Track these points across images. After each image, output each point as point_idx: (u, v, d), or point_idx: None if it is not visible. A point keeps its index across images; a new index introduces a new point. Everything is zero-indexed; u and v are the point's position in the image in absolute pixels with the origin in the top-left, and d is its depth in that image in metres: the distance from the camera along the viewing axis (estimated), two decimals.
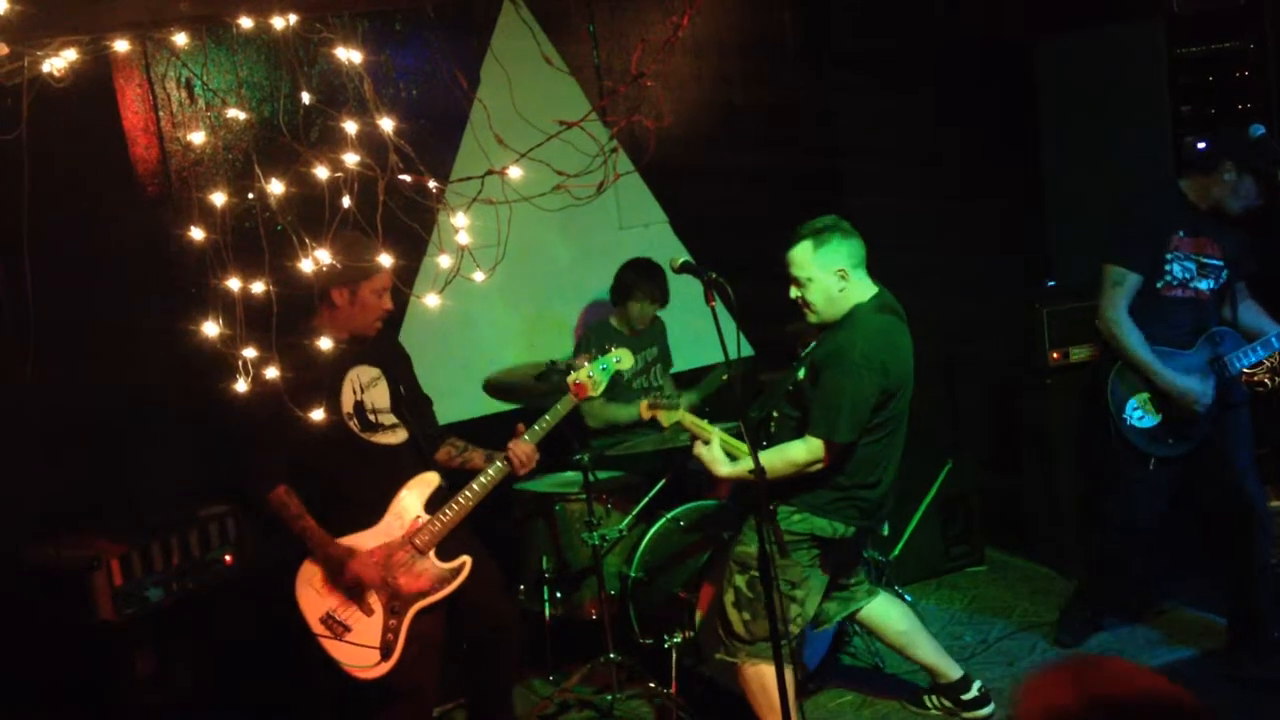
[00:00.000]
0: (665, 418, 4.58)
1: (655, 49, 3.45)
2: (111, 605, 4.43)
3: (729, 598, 4.38)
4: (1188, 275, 4.81)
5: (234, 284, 3.33)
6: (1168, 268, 4.81)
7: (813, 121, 6.94)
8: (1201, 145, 6.18)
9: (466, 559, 4.40)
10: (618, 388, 5.70)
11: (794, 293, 4.33)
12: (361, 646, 4.19)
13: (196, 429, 5.09)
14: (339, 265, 3.62)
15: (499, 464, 4.44)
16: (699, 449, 4.41)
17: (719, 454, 4.37)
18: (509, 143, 3.45)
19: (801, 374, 4.34)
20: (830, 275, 4.26)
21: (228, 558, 4.80)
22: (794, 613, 4.31)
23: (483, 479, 4.41)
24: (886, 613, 4.76)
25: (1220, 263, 4.83)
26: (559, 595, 5.36)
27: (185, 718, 4.63)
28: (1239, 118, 6.02)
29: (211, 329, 3.28)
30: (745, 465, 4.20)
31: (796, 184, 6.57)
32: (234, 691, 4.70)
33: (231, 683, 4.71)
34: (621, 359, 4.71)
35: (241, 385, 3.35)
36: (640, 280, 5.80)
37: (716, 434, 4.44)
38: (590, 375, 4.62)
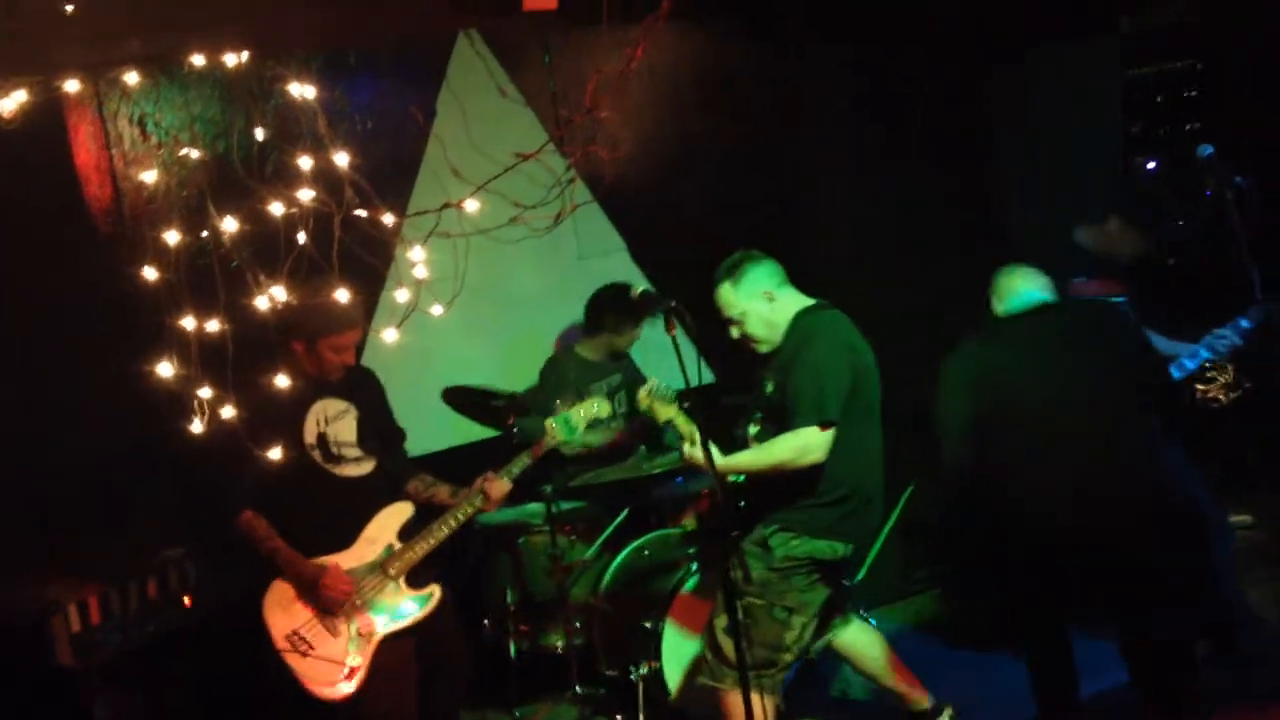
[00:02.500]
0: (661, 411, 4.54)
1: (610, 79, 3.45)
2: (70, 651, 4.36)
3: (720, 623, 4.34)
4: None
5: (189, 323, 3.29)
6: None
7: (770, 148, 6.96)
8: (1151, 165, 6.29)
9: (436, 588, 4.46)
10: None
11: (734, 333, 4.40)
12: (326, 663, 4.22)
13: (153, 470, 5.02)
14: (299, 316, 3.65)
15: (476, 501, 4.50)
16: (689, 450, 4.36)
17: (703, 450, 4.34)
18: (466, 175, 3.44)
19: (770, 388, 4.35)
20: (758, 301, 4.35)
21: (186, 600, 4.74)
22: (790, 639, 4.29)
23: (459, 514, 4.48)
24: (859, 640, 4.75)
25: (1126, 299, 4.97)
26: (523, 629, 5.31)
27: None
28: (1188, 137, 6.11)
29: (166, 369, 3.24)
30: (735, 460, 4.29)
31: (754, 211, 6.59)
32: None
33: None
34: (599, 406, 4.83)
35: (197, 426, 3.30)
36: (609, 313, 5.77)
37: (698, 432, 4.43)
38: (567, 420, 4.77)
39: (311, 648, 4.22)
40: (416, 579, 4.44)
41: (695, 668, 4.74)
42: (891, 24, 6.50)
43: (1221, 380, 5.40)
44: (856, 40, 6.66)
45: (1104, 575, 4.19)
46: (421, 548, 4.44)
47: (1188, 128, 6.32)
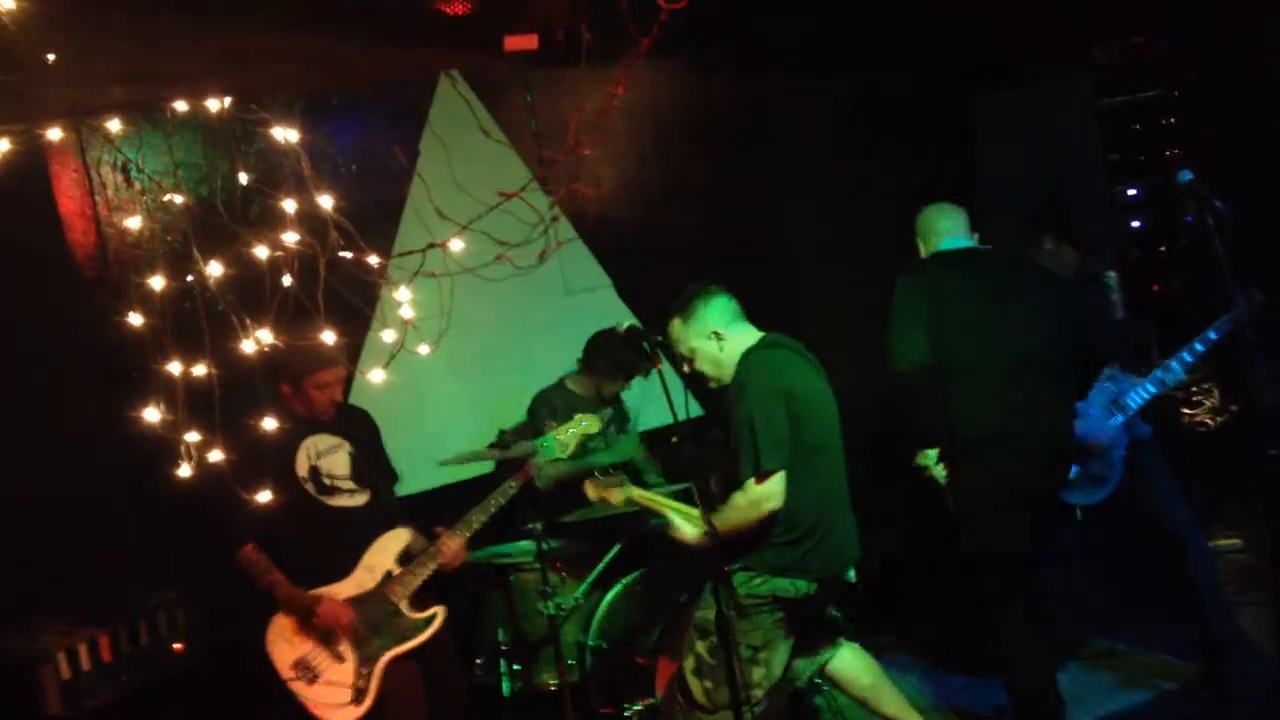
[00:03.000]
0: (616, 496, 4.57)
1: (592, 117, 3.47)
2: (60, 700, 4.32)
3: (689, 664, 4.33)
4: None
5: (175, 368, 3.29)
6: None
7: (753, 180, 6.99)
8: (1132, 192, 6.34)
9: (440, 609, 4.53)
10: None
11: (685, 369, 4.36)
12: (334, 687, 4.26)
13: (141, 515, 5.01)
14: (284, 358, 3.69)
15: (431, 562, 4.58)
16: (670, 532, 4.39)
17: (681, 523, 4.37)
18: (450, 214, 3.46)
19: (718, 432, 4.37)
20: (706, 340, 4.34)
21: (177, 646, 4.71)
22: (758, 677, 4.26)
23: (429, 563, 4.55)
24: (852, 665, 4.73)
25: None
26: (516, 667, 5.28)
27: None
28: (1167, 164, 6.17)
29: (153, 414, 3.24)
30: (706, 529, 4.20)
31: (739, 243, 6.61)
32: None
33: None
34: (588, 423, 4.83)
35: (185, 470, 3.30)
36: (626, 352, 5.76)
37: (669, 505, 4.44)
38: (557, 439, 4.83)
39: (318, 675, 4.26)
40: (419, 602, 4.50)
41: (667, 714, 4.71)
42: (873, 57, 6.54)
43: (1208, 404, 5.45)
44: (837, 73, 6.70)
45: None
46: (421, 571, 4.51)
47: (1167, 154, 6.37)
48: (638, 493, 4.56)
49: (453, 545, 4.58)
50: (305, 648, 4.30)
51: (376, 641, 4.37)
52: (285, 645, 4.28)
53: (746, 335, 4.38)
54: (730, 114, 6.89)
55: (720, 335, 4.34)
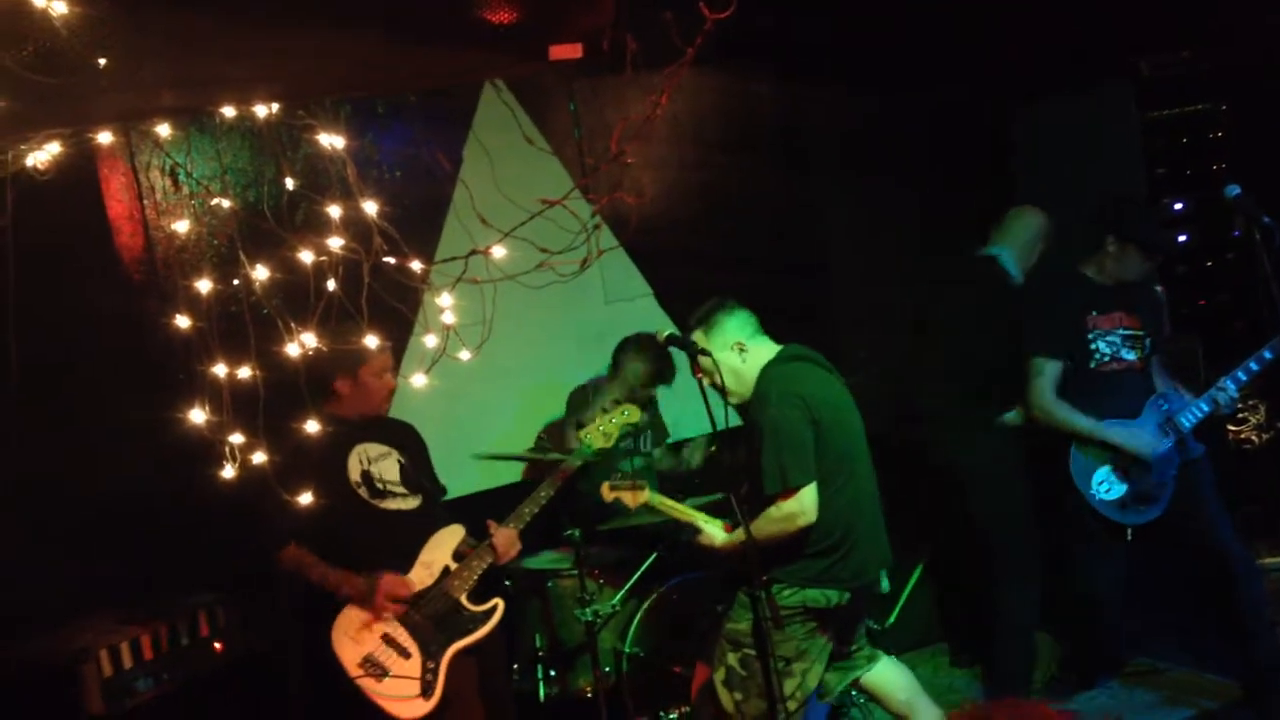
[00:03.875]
0: (630, 499, 4.54)
1: (636, 126, 3.48)
2: (101, 699, 4.37)
3: (719, 676, 4.32)
4: (1113, 349, 5.00)
5: (220, 370, 3.32)
6: (1093, 346, 5.00)
7: (792, 191, 6.99)
8: (1179, 206, 6.29)
9: (499, 601, 4.54)
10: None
11: (705, 381, 4.28)
12: (402, 681, 4.26)
13: (185, 516, 5.05)
14: (334, 356, 3.70)
15: (486, 556, 4.58)
16: (697, 540, 4.42)
17: (709, 529, 4.37)
18: (492, 222, 3.47)
19: (742, 452, 4.35)
20: (729, 353, 4.33)
21: (217, 645, 4.75)
22: (790, 689, 4.24)
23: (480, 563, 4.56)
24: (889, 679, 4.69)
25: (1141, 332, 5.02)
26: (553, 674, 5.30)
27: None
28: (1215, 179, 6.12)
29: (198, 416, 3.27)
30: (738, 535, 4.19)
31: (778, 254, 6.61)
32: None
33: None
34: (628, 412, 4.86)
35: (229, 471, 3.33)
36: (627, 355, 5.79)
37: (692, 512, 4.44)
38: (601, 429, 4.84)
39: (386, 670, 4.27)
40: (478, 595, 4.52)
41: None
42: (914, 69, 6.53)
43: (1254, 420, 5.39)
44: (879, 84, 6.68)
45: None
46: (479, 565, 4.53)
47: (1214, 168, 6.32)
48: (656, 498, 4.54)
49: (506, 537, 4.58)
50: (371, 645, 4.30)
51: (441, 636, 4.38)
52: (351, 643, 4.29)
53: (767, 348, 4.39)
54: (772, 124, 6.90)
55: (743, 347, 4.34)
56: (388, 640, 4.31)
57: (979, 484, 5.39)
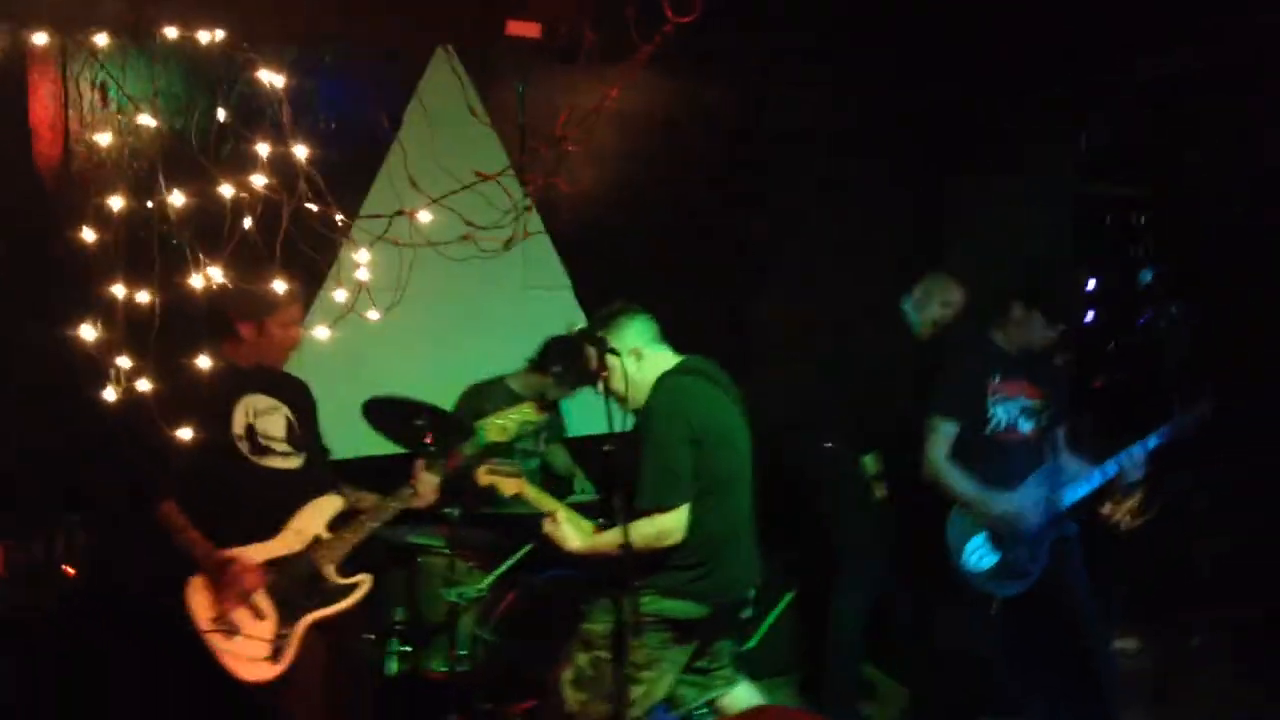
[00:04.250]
0: (505, 486, 4.48)
1: (581, 115, 3.47)
2: None
3: (568, 675, 4.30)
4: (1010, 418, 5.07)
5: (119, 290, 3.24)
6: (991, 412, 5.06)
7: (725, 204, 7.01)
8: (1093, 283, 6.41)
9: (366, 577, 4.44)
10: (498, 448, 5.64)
11: (599, 386, 4.28)
12: (252, 643, 4.16)
13: (60, 435, 4.93)
14: (244, 297, 3.63)
15: (406, 495, 4.57)
16: (548, 526, 4.36)
17: (568, 529, 4.33)
18: (423, 187, 3.43)
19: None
20: (626, 358, 4.30)
21: (70, 570, 4.63)
22: (636, 695, 4.24)
23: (389, 505, 4.54)
24: (745, 703, 4.71)
25: (1041, 404, 5.10)
26: (408, 649, 5.24)
27: None
28: (1133, 261, 6.26)
29: (89, 333, 3.19)
30: (600, 539, 4.23)
31: (703, 265, 6.64)
32: (55, 712, 4.53)
33: (54, 703, 4.53)
34: (528, 411, 4.74)
35: (111, 393, 3.25)
36: (554, 359, 5.74)
37: (561, 508, 4.40)
38: (499, 423, 4.68)
39: (236, 629, 4.17)
40: (346, 568, 4.43)
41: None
42: (870, 91, 6.59)
43: (1128, 504, 5.52)
44: (831, 112, 6.73)
45: None
46: (350, 537, 4.43)
47: (1132, 252, 6.45)
48: (532, 490, 4.49)
49: (430, 482, 4.57)
50: (225, 604, 4.18)
51: (300, 603, 4.29)
52: (205, 597, 4.18)
53: (664, 357, 4.36)
54: (715, 135, 6.90)
55: (640, 354, 4.31)
56: (242, 600, 4.21)
57: (832, 488, 5.59)
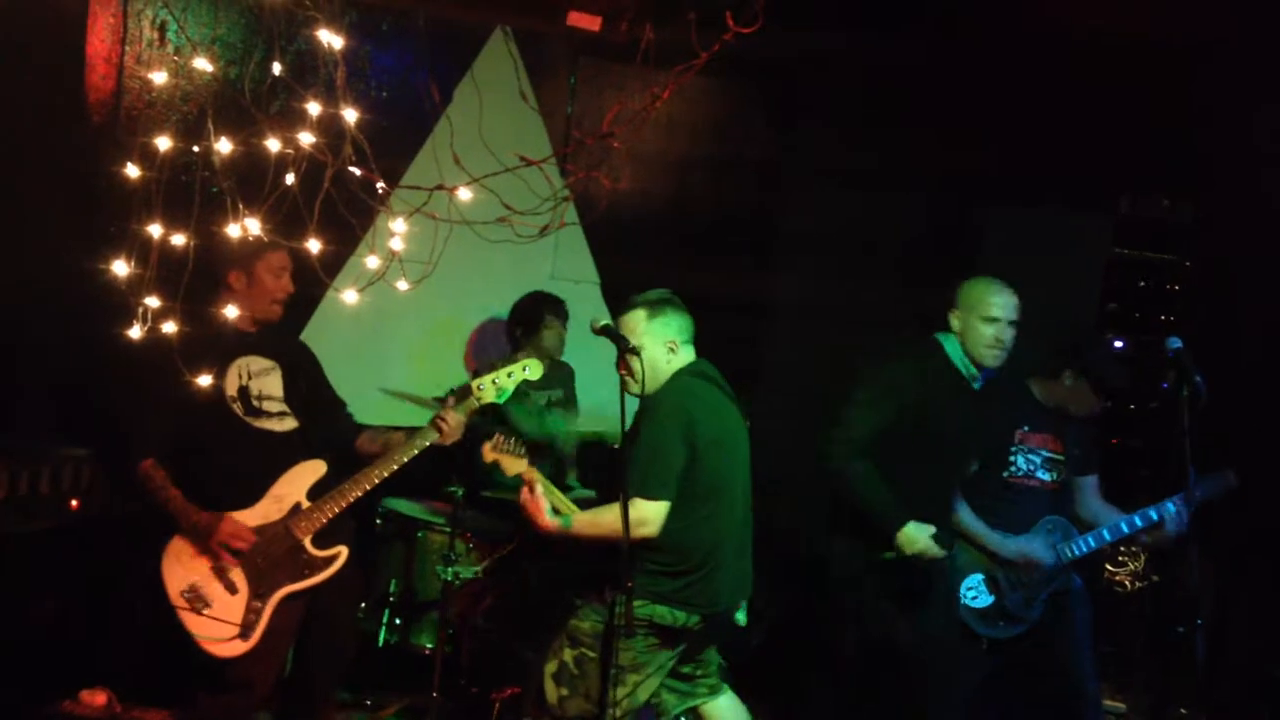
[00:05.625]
0: (509, 465, 4.47)
1: (630, 114, 3.47)
2: None
3: (551, 668, 4.29)
4: (1031, 467, 5.02)
5: (155, 230, 3.26)
6: (1012, 458, 5.01)
7: (762, 219, 7.01)
8: (1119, 344, 6.39)
9: (343, 549, 4.35)
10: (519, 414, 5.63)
11: (618, 362, 4.22)
12: (221, 622, 4.13)
13: (77, 367, 4.96)
14: (230, 248, 3.62)
15: (431, 434, 4.39)
16: (524, 496, 4.30)
17: (544, 504, 4.30)
18: (466, 165, 3.43)
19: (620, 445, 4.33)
20: (660, 347, 4.29)
21: (74, 502, 4.65)
22: (618, 696, 4.23)
23: (392, 462, 4.34)
24: (726, 714, 4.70)
25: (1062, 457, 5.05)
26: (398, 622, 5.26)
27: None
28: (1161, 328, 6.23)
29: (121, 268, 3.21)
30: (575, 519, 4.21)
31: (733, 281, 6.62)
32: (40, 636, 4.56)
33: (41, 626, 4.57)
34: (530, 369, 4.62)
35: (136, 331, 3.26)
36: (546, 305, 5.78)
37: (554, 494, 4.39)
38: (495, 382, 4.53)
39: (208, 604, 4.13)
40: (323, 540, 4.33)
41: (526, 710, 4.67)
42: (907, 146, 6.59)
43: (1131, 566, 5.49)
44: (869, 141, 6.72)
45: None
46: (330, 507, 4.32)
47: (1163, 318, 6.43)
48: (533, 472, 4.46)
49: (457, 420, 4.43)
50: (199, 574, 4.16)
51: (274, 575, 4.22)
52: (179, 569, 4.14)
53: (686, 357, 4.37)
54: (759, 152, 6.90)
55: (674, 348, 4.31)
56: (217, 572, 4.17)
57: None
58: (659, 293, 4.39)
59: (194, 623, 4.09)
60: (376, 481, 4.36)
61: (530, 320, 5.82)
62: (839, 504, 4.79)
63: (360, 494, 4.35)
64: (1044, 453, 5.04)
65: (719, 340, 4.61)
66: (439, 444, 4.41)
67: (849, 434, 4.62)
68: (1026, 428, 5.03)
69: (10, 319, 4.83)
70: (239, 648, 4.13)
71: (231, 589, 4.17)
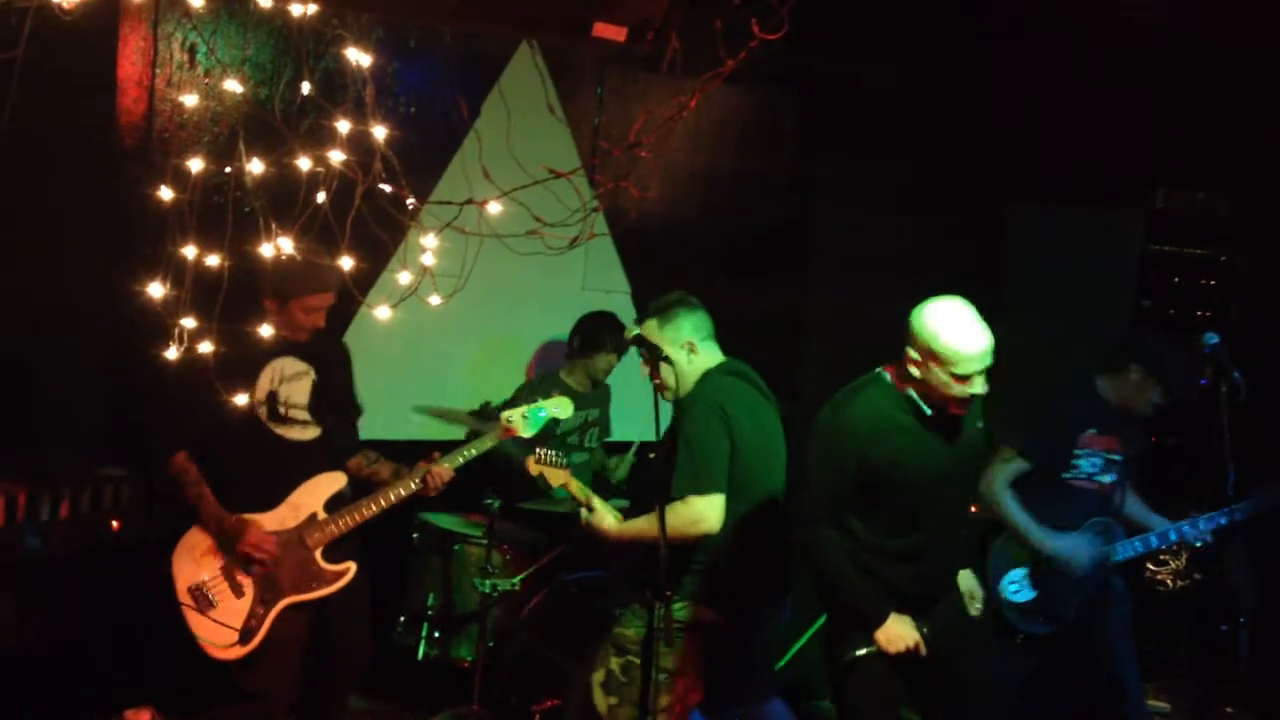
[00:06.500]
0: (552, 476, 4.49)
1: (658, 123, 3.47)
2: None
3: (599, 677, 4.30)
4: (1094, 469, 4.97)
5: (190, 252, 3.29)
6: (1076, 462, 4.94)
7: (791, 227, 7.00)
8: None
9: (351, 565, 4.39)
10: (550, 438, 5.66)
11: (644, 371, 4.28)
12: (222, 625, 4.17)
13: (114, 388, 5.00)
14: (277, 273, 3.65)
15: (413, 483, 4.45)
16: (585, 515, 4.34)
17: (606, 515, 4.30)
18: (495, 179, 3.45)
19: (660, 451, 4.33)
20: (678, 349, 4.28)
21: (115, 523, 4.69)
22: (665, 703, 4.24)
23: (391, 494, 4.42)
24: (771, 716, 4.69)
25: (1120, 458, 5.00)
26: (437, 635, 5.28)
27: (24, 668, 4.46)
28: (1197, 324, 6.17)
29: (157, 290, 3.24)
30: (634, 523, 4.22)
31: (763, 286, 6.62)
32: (83, 656, 4.59)
33: (83, 646, 4.60)
34: (560, 407, 4.73)
35: (173, 352, 3.29)
36: (608, 333, 5.81)
37: (598, 501, 4.40)
38: (525, 416, 4.66)
39: (212, 605, 4.18)
40: (333, 553, 4.37)
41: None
42: (936, 146, 6.56)
43: (1173, 565, 5.44)
44: (897, 147, 6.70)
45: None
46: (344, 522, 4.36)
47: (1199, 314, 6.37)
48: (576, 484, 4.49)
49: (442, 471, 4.48)
50: (208, 573, 4.20)
51: (280, 584, 4.26)
52: (190, 563, 4.19)
53: (713, 355, 4.36)
54: (789, 157, 6.90)
55: (693, 348, 4.31)
56: (226, 573, 4.22)
57: None
58: (668, 297, 4.40)
59: (196, 622, 4.15)
60: (385, 506, 4.43)
61: (589, 340, 5.84)
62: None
63: (375, 513, 4.41)
64: (1106, 455, 4.97)
65: (753, 346, 4.62)
66: (424, 494, 4.50)
67: (815, 497, 4.06)
68: (1095, 430, 4.96)
69: (48, 343, 4.87)
70: (237, 652, 4.18)
71: (238, 592, 4.22)
